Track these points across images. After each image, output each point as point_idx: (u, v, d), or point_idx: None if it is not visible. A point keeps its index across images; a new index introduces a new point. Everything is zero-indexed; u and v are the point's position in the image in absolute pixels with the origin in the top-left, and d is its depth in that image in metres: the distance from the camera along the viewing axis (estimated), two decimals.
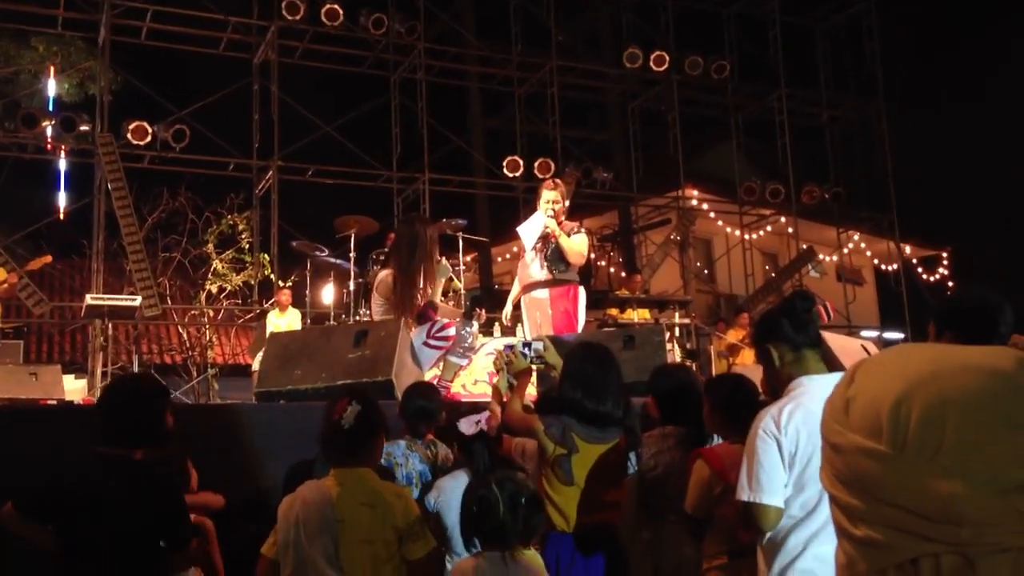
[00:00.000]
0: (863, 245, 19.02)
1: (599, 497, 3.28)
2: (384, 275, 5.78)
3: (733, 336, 11.55)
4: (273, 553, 2.81)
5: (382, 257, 8.65)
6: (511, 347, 3.64)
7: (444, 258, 5.95)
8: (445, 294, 6.72)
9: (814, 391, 2.43)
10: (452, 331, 5.63)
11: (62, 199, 12.47)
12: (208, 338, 14.40)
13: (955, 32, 21.83)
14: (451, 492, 3.43)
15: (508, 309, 6.73)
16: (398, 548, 2.77)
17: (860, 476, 0.93)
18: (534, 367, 3.73)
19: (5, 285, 8.72)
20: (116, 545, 2.69)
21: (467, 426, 3.50)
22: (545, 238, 6.42)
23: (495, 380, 3.82)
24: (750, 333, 11.09)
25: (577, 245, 6.34)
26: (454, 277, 6.02)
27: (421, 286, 5.71)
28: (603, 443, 3.35)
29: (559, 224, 6.41)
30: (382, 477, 3.20)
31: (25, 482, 2.82)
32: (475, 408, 3.78)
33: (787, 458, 2.38)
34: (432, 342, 5.65)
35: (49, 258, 9.14)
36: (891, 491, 0.90)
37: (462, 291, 6.44)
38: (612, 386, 3.38)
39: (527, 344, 3.66)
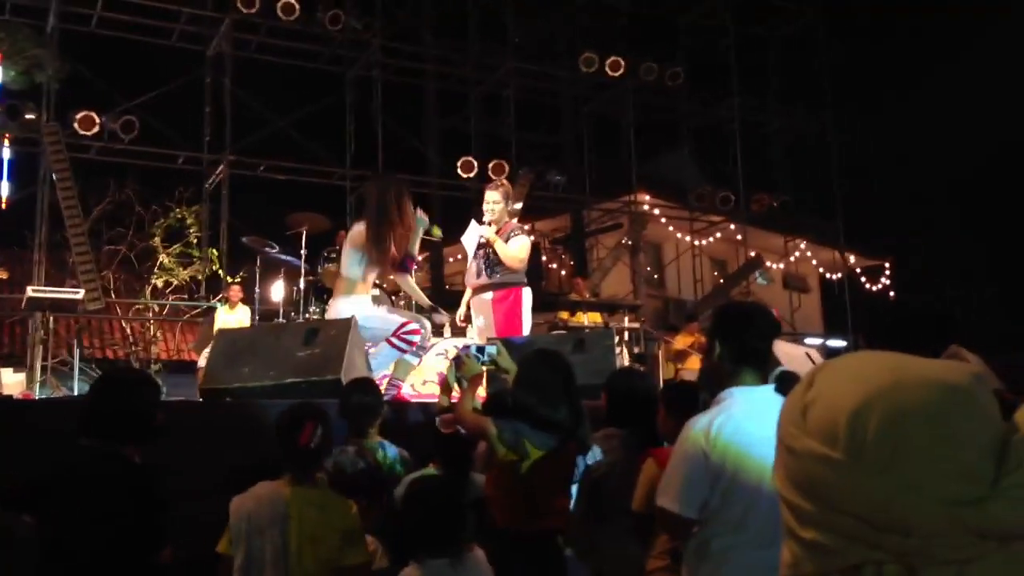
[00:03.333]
0: (809, 253, 19.35)
1: (545, 503, 3.26)
2: (358, 227, 5.72)
3: (681, 341, 11.67)
4: (226, 549, 2.89)
5: (333, 255, 8.62)
6: (466, 348, 3.64)
7: (419, 208, 5.90)
8: (426, 242, 6.78)
9: (744, 403, 2.46)
10: (418, 337, 5.62)
11: (4, 188, 12.16)
12: (152, 333, 14.16)
13: (901, 44, 22.34)
14: None
15: (462, 310, 6.73)
16: (339, 552, 2.87)
17: (813, 481, 0.95)
18: (486, 369, 3.73)
19: None
20: (96, 539, 2.65)
21: (444, 425, 3.50)
22: (483, 245, 6.44)
23: (445, 372, 3.81)
24: (698, 340, 11.24)
25: (513, 250, 6.33)
26: (434, 227, 6.02)
27: (396, 238, 5.62)
28: (553, 450, 3.31)
29: (500, 228, 6.41)
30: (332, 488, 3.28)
31: None
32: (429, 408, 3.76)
33: (713, 472, 2.38)
34: (396, 342, 5.63)
35: (5, 274, 8.94)
36: (843, 498, 0.92)
37: (441, 237, 6.45)
38: (566, 394, 3.36)
39: (480, 348, 3.65)
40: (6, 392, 7.66)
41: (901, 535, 0.89)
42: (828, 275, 19.46)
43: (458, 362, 3.62)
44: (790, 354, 2.78)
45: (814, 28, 17.23)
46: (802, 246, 18.78)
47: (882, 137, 21.01)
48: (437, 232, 6.21)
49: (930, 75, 21.08)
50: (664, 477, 2.50)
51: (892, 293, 19.71)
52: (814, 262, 19.75)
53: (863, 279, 19.74)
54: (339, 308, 5.69)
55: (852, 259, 19.15)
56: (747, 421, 2.37)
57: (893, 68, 22.35)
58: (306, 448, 2.94)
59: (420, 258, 5.69)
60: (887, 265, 20.18)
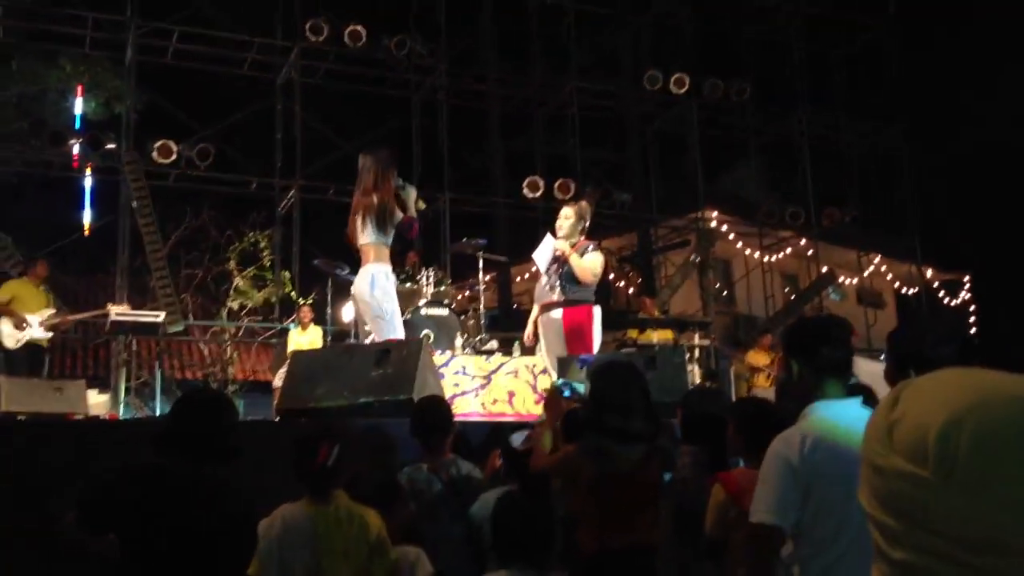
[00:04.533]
0: (884, 268, 18.93)
1: (633, 519, 3.21)
2: (368, 198, 6.01)
3: (754, 358, 11.51)
4: (257, 572, 2.90)
5: (402, 276, 8.73)
6: (560, 388, 3.58)
7: (405, 181, 6.26)
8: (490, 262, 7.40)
9: (831, 416, 2.41)
10: None
11: (87, 216, 12.63)
12: (229, 355, 14.48)
13: (976, 52, 21.77)
14: (491, 506, 3.46)
15: (529, 329, 6.74)
16: (368, 563, 2.91)
17: (901, 500, 0.93)
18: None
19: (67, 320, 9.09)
20: (179, 558, 2.67)
21: (518, 441, 3.50)
22: (558, 259, 6.44)
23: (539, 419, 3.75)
24: (774, 358, 11.07)
25: (588, 264, 6.34)
26: (419, 199, 6.26)
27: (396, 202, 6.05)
28: (635, 464, 3.26)
29: (573, 244, 6.42)
30: (404, 503, 3.29)
31: (66, 495, 2.82)
32: (520, 426, 3.74)
33: (803, 484, 2.33)
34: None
35: (128, 307, 9.37)
36: (933, 518, 0.91)
37: (424, 207, 6.64)
38: (638, 403, 3.31)
39: (568, 384, 3.60)
40: (93, 412, 7.92)
41: (996, 555, 0.87)
42: (904, 290, 19.00)
43: (548, 403, 3.57)
44: (870, 372, 2.72)
45: (883, 40, 16.92)
46: (876, 260, 18.38)
47: (957, 147, 20.51)
48: (421, 204, 6.48)
49: (1005, 80, 20.49)
50: (756, 494, 2.43)
51: (973, 307, 19.15)
52: (889, 276, 19.30)
53: (941, 293, 19.23)
54: (366, 273, 6.01)
55: (929, 273, 18.67)
56: (835, 435, 2.32)
57: (966, 75, 21.80)
58: (323, 468, 2.96)
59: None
60: (966, 279, 19.63)
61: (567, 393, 3.46)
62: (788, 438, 2.42)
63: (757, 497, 2.42)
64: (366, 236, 6.08)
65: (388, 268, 6.08)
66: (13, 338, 8.45)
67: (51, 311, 8.81)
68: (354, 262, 9.31)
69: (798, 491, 2.34)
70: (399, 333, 6.01)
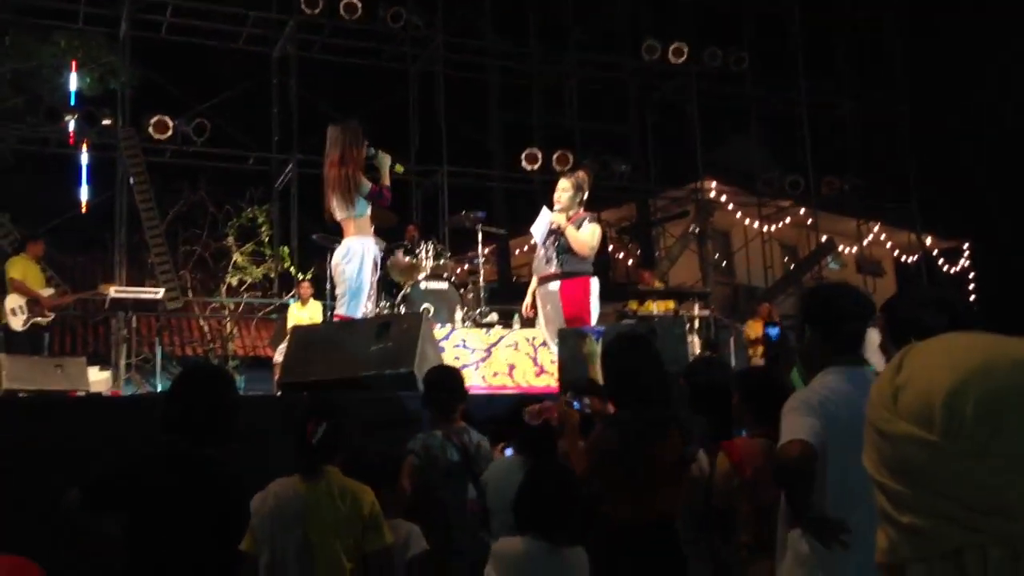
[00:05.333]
0: (883, 236, 18.90)
1: (657, 491, 3.16)
2: (350, 170, 6.03)
3: (753, 329, 11.52)
4: (250, 547, 2.91)
5: (401, 250, 8.72)
6: (568, 402, 3.55)
7: (377, 149, 6.29)
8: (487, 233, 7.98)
9: (845, 380, 2.38)
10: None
11: (84, 193, 12.57)
12: (229, 330, 14.48)
13: (977, 18, 21.59)
14: (496, 473, 3.49)
15: (528, 300, 6.74)
16: (362, 539, 2.91)
17: (908, 464, 0.93)
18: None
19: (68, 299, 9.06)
20: (180, 537, 2.69)
21: (531, 416, 3.50)
22: (554, 232, 6.43)
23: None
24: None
25: (585, 236, 6.32)
26: (396, 164, 6.30)
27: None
28: (657, 438, 3.20)
29: (570, 216, 6.40)
30: (421, 471, 3.28)
31: (71, 472, 2.82)
32: (538, 400, 3.72)
33: (823, 432, 2.28)
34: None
35: (109, 288, 9.30)
36: (941, 481, 0.91)
37: (402, 170, 6.67)
38: (653, 374, 3.29)
39: (577, 399, 3.56)
40: (94, 389, 7.93)
41: (1004, 518, 0.87)
42: (904, 258, 18.99)
43: (562, 415, 3.53)
44: (870, 339, 2.71)
45: (884, 7, 16.78)
46: (875, 229, 18.35)
47: (957, 115, 20.40)
48: (400, 168, 6.57)
49: (1007, 47, 20.34)
50: (783, 431, 2.35)
51: (972, 274, 19.15)
52: (888, 245, 19.28)
53: (941, 261, 19.22)
54: (343, 246, 6.09)
55: (928, 241, 18.65)
56: (849, 399, 2.30)
57: (966, 42, 21.63)
58: (308, 445, 2.96)
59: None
60: (966, 246, 19.61)
61: (576, 406, 3.45)
62: (804, 397, 2.40)
63: (783, 433, 2.35)
64: (341, 211, 6.15)
65: (368, 240, 6.13)
66: (20, 320, 8.44)
67: (49, 290, 8.81)
68: None
69: (821, 427, 2.27)
70: (358, 311, 6.05)
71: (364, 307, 6.11)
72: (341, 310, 6.09)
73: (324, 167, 6.21)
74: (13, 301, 8.47)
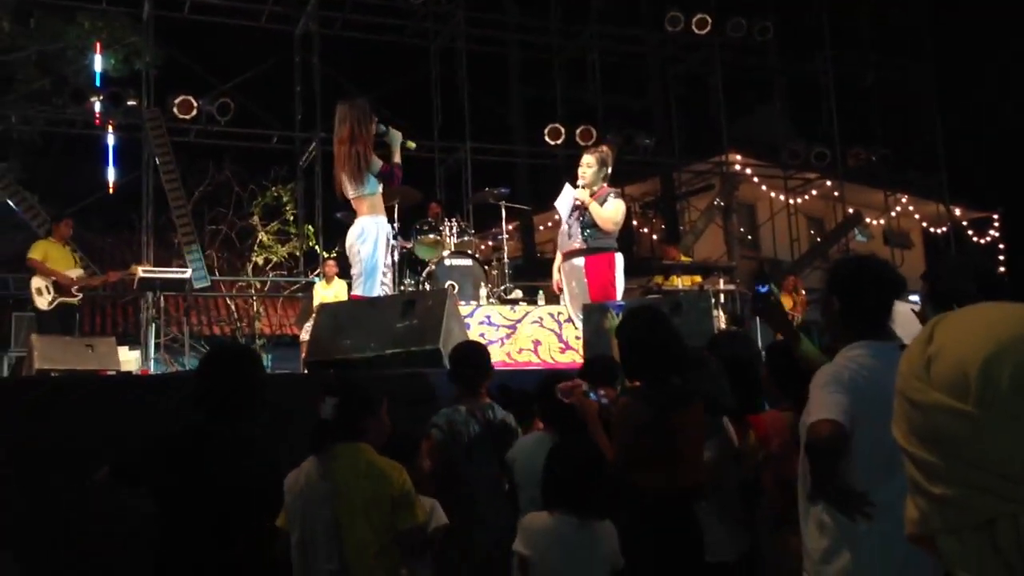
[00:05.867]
0: (911, 208, 18.70)
1: (684, 465, 3.16)
2: (360, 148, 6.00)
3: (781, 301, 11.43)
4: (284, 524, 2.95)
5: (426, 227, 8.72)
6: (586, 392, 3.54)
7: (388, 127, 6.25)
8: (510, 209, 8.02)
9: (873, 356, 2.35)
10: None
11: (111, 174, 12.68)
12: (255, 309, 14.61)
13: None
14: (525, 449, 3.50)
15: (556, 276, 6.74)
16: (393, 517, 2.89)
17: (941, 434, 0.93)
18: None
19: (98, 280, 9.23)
20: (210, 511, 2.72)
21: (564, 393, 3.50)
22: (578, 207, 6.41)
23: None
24: (799, 299, 11.01)
25: (609, 212, 6.30)
26: (407, 140, 6.33)
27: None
28: (681, 409, 3.20)
29: (594, 192, 6.38)
30: (444, 446, 3.29)
31: (102, 452, 2.86)
32: (560, 377, 3.72)
33: (852, 407, 2.24)
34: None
35: (137, 269, 9.36)
36: (975, 451, 0.90)
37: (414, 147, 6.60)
38: (664, 349, 3.29)
39: (593, 390, 3.55)
40: (124, 369, 8.02)
41: None
42: (932, 229, 18.78)
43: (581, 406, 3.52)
44: (898, 310, 2.67)
45: None
46: (903, 200, 18.15)
47: (984, 82, 20.06)
48: (411, 144, 6.41)
49: None
50: (811, 406, 2.32)
51: (1001, 245, 18.91)
52: (916, 216, 19.07)
53: (970, 232, 18.98)
54: (356, 225, 6.07)
55: (957, 212, 18.42)
56: (878, 372, 2.27)
57: (995, 7, 21.21)
58: (320, 419, 2.97)
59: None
60: (996, 216, 19.35)
61: (593, 397, 3.44)
62: (834, 368, 2.36)
63: (811, 408, 2.32)
64: (352, 190, 6.11)
65: (380, 219, 6.09)
66: (46, 300, 8.54)
67: (79, 271, 8.87)
68: None
69: (850, 404, 2.24)
70: (374, 290, 6.03)
71: (379, 287, 6.10)
72: (357, 290, 6.10)
73: (334, 145, 6.16)
74: (38, 282, 8.56)
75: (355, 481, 2.89)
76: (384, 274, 6.16)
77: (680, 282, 9.99)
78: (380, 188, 6.12)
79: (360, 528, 2.86)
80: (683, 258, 11.72)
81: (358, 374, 4.81)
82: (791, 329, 3.18)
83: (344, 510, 2.86)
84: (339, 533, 2.86)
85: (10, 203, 11.42)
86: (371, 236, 6.00)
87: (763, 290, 3.25)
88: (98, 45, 13.03)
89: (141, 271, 9.20)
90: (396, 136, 6.21)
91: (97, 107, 11.82)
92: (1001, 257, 18.77)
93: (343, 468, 2.92)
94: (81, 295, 8.90)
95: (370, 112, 6.11)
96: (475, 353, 3.99)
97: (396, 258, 8.12)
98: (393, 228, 6.38)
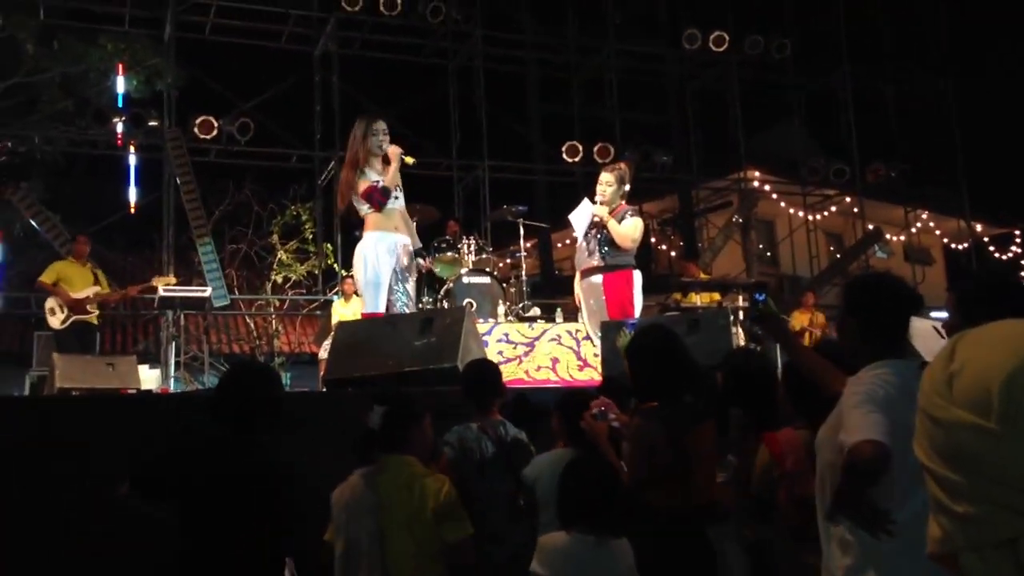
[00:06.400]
0: (931, 224, 18.57)
1: (697, 483, 3.16)
2: (346, 171, 6.19)
3: (799, 319, 11.39)
4: (331, 537, 2.99)
5: (444, 245, 8.75)
6: (595, 415, 3.53)
7: (385, 142, 6.26)
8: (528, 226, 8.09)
9: (895, 374, 2.31)
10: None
11: (133, 194, 12.79)
12: (275, 328, 14.66)
13: None
14: (548, 467, 3.47)
15: (577, 292, 6.74)
16: (438, 530, 2.90)
17: (963, 451, 0.92)
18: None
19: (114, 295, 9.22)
20: (229, 521, 2.74)
21: (601, 415, 3.48)
22: (596, 224, 6.42)
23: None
24: (817, 318, 10.94)
25: (627, 229, 6.31)
26: (406, 156, 6.28)
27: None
28: (694, 428, 3.20)
29: (613, 209, 6.39)
30: (456, 464, 3.29)
31: (123, 469, 2.87)
32: (579, 394, 3.71)
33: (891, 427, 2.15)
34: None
35: (174, 279, 9.42)
36: (997, 468, 0.89)
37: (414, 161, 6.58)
38: (682, 366, 3.29)
39: (601, 413, 3.54)
40: (145, 387, 8.06)
41: None
42: (953, 245, 18.63)
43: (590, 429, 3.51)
44: (918, 328, 2.64)
45: None
46: (924, 216, 18.03)
47: (1004, 96, 19.93)
48: (409, 160, 6.35)
49: None
50: (850, 426, 2.20)
51: None
52: (937, 232, 18.93)
53: (991, 248, 18.82)
54: (357, 249, 6.20)
55: (979, 228, 18.27)
56: (903, 390, 2.20)
57: (1013, 20, 21.10)
58: (368, 429, 3.00)
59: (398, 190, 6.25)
60: (1017, 232, 19.18)
61: (600, 417, 3.43)
62: (866, 387, 2.27)
63: (849, 428, 2.21)
64: (359, 210, 6.25)
65: (376, 234, 6.14)
66: (59, 319, 8.58)
67: (96, 288, 8.87)
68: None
69: (890, 423, 2.14)
70: (378, 303, 6.10)
71: (383, 299, 6.12)
72: (365, 308, 6.22)
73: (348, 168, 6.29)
74: (51, 301, 8.63)
75: (398, 494, 2.92)
76: (398, 283, 6.18)
77: (698, 299, 9.95)
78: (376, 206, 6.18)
79: (402, 541, 2.88)
80: (702, 275, 11.69)
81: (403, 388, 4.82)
82: (789, 339, 3.17)
83: (387, 522, 2.89)
84: (382, 545, 2.89)
85: (33, 223, 11.54)
86: (359, 258, 6.11)
87: (760, 299, 3.24)
88: (120, 67, 13.17)
89: (162, 289, 9.26)
90: (394, 153, 6.21)
91: (119, 128, 11.96)
92: (1023, 273, 18.60)
93: (387, 480, 2.95)
94: (96, 311, 8.89)
95: (366, 131, 6.17)
96: (485, 371, 3.99)
97: (418, 268, 8.19)
98: (408, 244, 6.39)
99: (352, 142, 6.20)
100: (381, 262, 6.09)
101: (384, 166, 6.21)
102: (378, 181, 6.10)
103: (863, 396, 2.25)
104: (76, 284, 8.74)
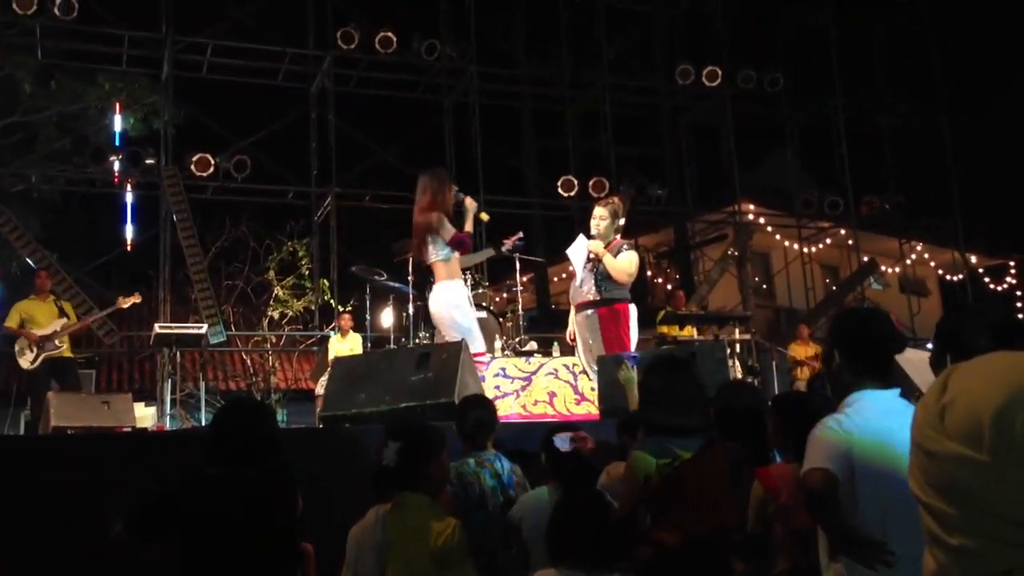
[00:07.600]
0: (926, 255, 18.61)
1: (706, 513, 3.07)
2: (428, 216, 6.22)
3: (795, 351, 11.40)
4: (344, 573, 2.98)
5: None
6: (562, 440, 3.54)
7: (464, 196, 6.49)
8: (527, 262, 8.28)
9: (875, 404, 2.36)
10: (482, 368, 6.35)
11: (129, 231, 12.82)
12: (271, 364, 14.62)
13: (1019, 26, 21.28)
14: (532, 506, 3.45)
15: (571, 328, 6.75)
16: (435, 574, 2.87)
17: (956, 484, 0.92)
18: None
19: (78, 325, 9.03)
20: (229, 555, 2.73)
21: (561, 443, 3.46)
22: (592, 259, 6.45)
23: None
24: (817, 350, 10.95)
25: (622, 264, 6.34)
26: (481, 212, 6.63)
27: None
28: (702, 458, 3.11)
29: (608, 243, 6.42)
30: (457, 500, 3.27)
31: (118, 507, 2.85)
32: (567, 427, 3.70)
33: (848, 459, 2.27)
34: None
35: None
36: (990, 500, 0.89)
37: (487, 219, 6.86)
38: (691, 397, 3.23)
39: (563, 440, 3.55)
40: (140, 425, 8.01)
41: None
42: (948, 277, 18.68)
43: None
44: (912, 360, 2.67)
45: (922, 18, 16.60)
46: (918, 248, 18.09)
47: (999, 128, 20.07)
48: (484, 216, 6.72)
49: None
50: (806, 457, 2.37)
51: (1020, 292, 18.77)
52: (932, 264, 18.98)
53: (986, 279, 18.87)
54: (439, 292, 6.26)
55: (973, 259, 18.33)
56: (883, 421, 2.28)
57: (1010, 48, 21.33)
58: (382, 465, 2.98)
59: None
60: (1012, 264, 19.24)
61: (566, 445, 3.43)
62: (832, 422, 2.38)
63: (805, 460, 2.36)
64: (430, 255, 6.32)
65: (457, 282, 6.31)
66: (28, 359, 8.47)
67: (64, 320, 8.69)
68: (395, 271, 9.42)
69: (844, 454, 2.27)
70: (478, 343, 6.24)
71: (480, 340, 6.31)
72: (476, 349, 6.24)
73: (414, 212, 6.38)
74: (20, 343, 8.50)
75: (404, 534, 2.90)
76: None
77: (694, 332, 9.97)
78: (455, 254, 6.31)
79: None
80: (693, 308, 11.72)
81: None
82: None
83: (392, 560, 2.87)
84: None
85: (29, 261, 11.53)
86: (453, 302, 6.22)
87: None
88: (118, 105, 13.28)
89: (158, 327, 9.24)
90: (471, 206, 6.42)
91: (116, 166, 12.01)
92: (1019, 304, 18.62)
93: (396, 519, 2.93)
94: (67, 344, 8.59)
95: (448, 180, 6.42)
96: (479, 407, 3.98)
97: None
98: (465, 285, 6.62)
99: (439, 188, 6.31)
100: (463, 309, 6.30)
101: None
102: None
103: (823, 428, 2.36)
104: (40, 321, 8.55)
